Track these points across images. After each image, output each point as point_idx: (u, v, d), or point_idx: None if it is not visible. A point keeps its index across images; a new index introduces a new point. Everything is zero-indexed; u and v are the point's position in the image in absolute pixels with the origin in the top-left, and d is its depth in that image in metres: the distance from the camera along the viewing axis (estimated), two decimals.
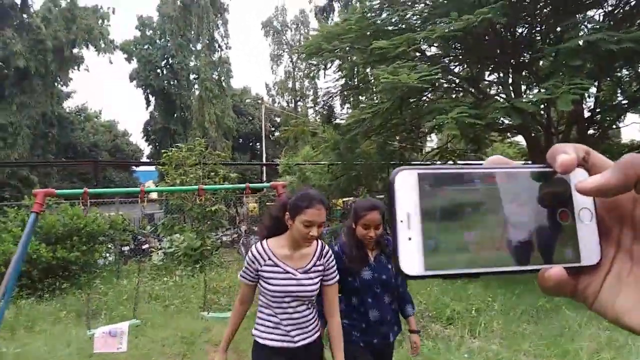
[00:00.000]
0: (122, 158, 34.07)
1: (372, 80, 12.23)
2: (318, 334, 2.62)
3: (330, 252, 2.62)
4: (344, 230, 2.91)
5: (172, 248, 8.77)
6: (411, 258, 0.39)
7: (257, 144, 36.53)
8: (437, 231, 0.40)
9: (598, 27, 9.46)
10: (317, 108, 17.54)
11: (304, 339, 2.52)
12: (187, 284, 8.70)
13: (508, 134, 13.43)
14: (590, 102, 10.83)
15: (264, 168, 23.09)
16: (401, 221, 0.39)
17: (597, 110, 10.79)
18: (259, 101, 32.57)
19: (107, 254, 11.54)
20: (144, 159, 35.06)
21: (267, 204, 13.54)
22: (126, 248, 12.94)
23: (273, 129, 37.92)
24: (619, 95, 10.62)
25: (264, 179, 19.74)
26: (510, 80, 11.49)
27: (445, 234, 0.40)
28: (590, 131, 11.02)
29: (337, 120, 14.73)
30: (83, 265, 8.88)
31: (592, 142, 10.96)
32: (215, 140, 29.47)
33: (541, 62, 10.83)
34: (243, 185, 6.16)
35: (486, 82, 12.67)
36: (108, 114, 67.81)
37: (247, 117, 38.90)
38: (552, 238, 0.41)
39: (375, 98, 14.02)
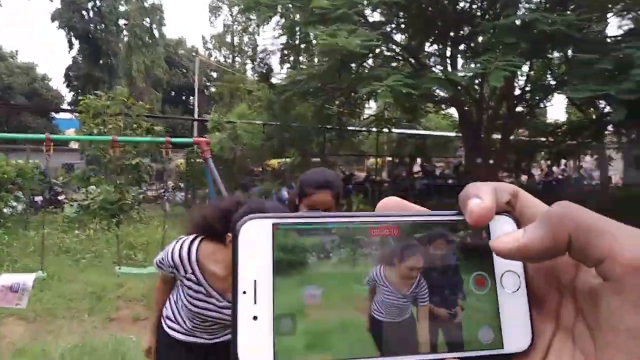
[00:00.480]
0: (40, 103, 31.47)
1: (314, 41, 11.92)
2: None
3: None
4: (287, 201, 2.46)
5: (87, 200, 8.22)
6: (255, 346, 0.27)
7: (190, 98, 35.07)
8: (295, 308, 0.28)
9: (535, 7, 9.69)
10: (254, 65, 17.03)
11: (223, 335, 2.13)
12: (102, 239, 8.27)
13: (443, 105, 13.71)
14: (521, 81, 11.23)
15: (195, 124, 22.28)
16: (244, 292, 0.28)
17: (527, 88, 11.21)
18: (194, 54, 31.05)
19: (16, 203, 10.74)
20: (65, 106, 32.64)
21: (196, 160, 13.05)
22: (39, 198, 12.09)
23: (208, 83, 36.54)
24: (548, 76, 11.05)
25: (195, 134, 19.03)
26: (448, 53, 11.63)
27: (306, 312, 0.28)
28: (519, 108, 11.46)
29: (275, 80, 14.37)
30: None
31: (520, 119, 11.46)
32: (142, 91, 27.96)
33: (480, 38, 11.02)
34: (162, 139, 5.82)
35: (425, 54, 12.75)
36: (25, 55, 62.22)
37: (181, 69, 37.15)
38: (461, 313, 0.29)
39: (316, 60, 13.77)
